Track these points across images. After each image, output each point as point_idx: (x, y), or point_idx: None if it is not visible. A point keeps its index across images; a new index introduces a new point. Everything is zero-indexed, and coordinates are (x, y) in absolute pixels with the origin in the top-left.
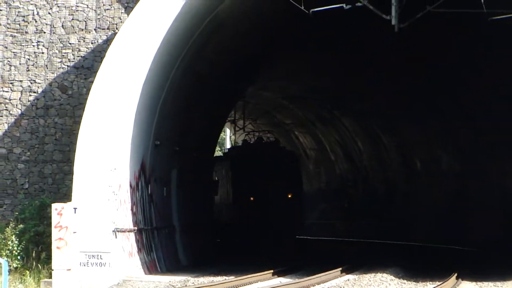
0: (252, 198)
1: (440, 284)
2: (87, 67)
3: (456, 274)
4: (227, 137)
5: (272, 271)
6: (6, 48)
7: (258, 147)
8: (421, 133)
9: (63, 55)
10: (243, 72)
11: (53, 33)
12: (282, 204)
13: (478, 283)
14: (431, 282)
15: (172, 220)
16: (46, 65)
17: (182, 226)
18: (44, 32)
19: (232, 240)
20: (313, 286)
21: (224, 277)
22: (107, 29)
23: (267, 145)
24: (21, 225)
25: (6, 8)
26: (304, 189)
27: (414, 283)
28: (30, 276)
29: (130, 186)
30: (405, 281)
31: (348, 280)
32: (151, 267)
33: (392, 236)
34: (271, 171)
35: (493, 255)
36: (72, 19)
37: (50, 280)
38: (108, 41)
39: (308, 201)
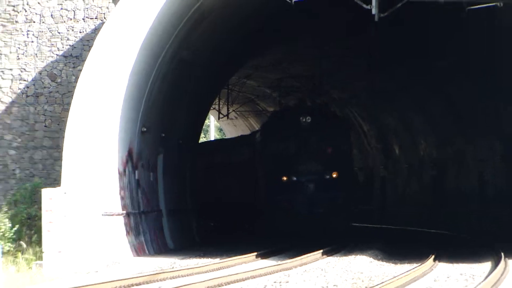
0: (284, 178)
1: (418, 265)
2: (76, 55)
3: (433, 256)
4: (212, 124)
5: (255, 253)
6: None
7: (293, 115)
8: (400, 121)
9: (52, 44)
10: (227, 61)
11: (43, 22)
12: (322, 186)
13: (455, 264)
14: (409, 264)
15: (159, 204)
16: (36, 54)
17: (168, 210)
18: (34, 22)
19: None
20: (295, 267)
21: (210, 259)
22: (95, 18)
23: (306, 111)
24: (12, 210)
25: None
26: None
27: (393, 264)
28: (22, 258)
29: (118, 171)
30: (384, 262)
31: (329, 262)
32: (139, 250)
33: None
34: (309, 145)
35: (469, 238)
36: (61, 8)
37: (41, 262)
38: (96, 30)
39: None
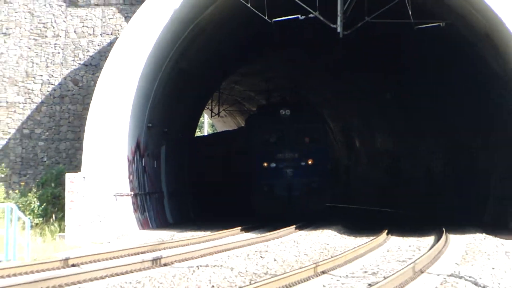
0: (265, 165)
1: (374, 238)
2: (94, 64)
3: (386, 231)
4: (205, 121)
5: (240, 227)
6: (30, 49)
7: (274, 109)
8: (361, 120)
9: (75, 55)
10: (219, 69)
11: (67, 37)
12: (299, 172)
13: (404, 238)
14: (367, 237)
15: (161, 187)
16: (62, 63)
17: (169, 192)
18: (60, 36)
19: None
20: (273, 239)
21: (203, 232)
22: (110, 34)
23: (283, 107)
24: (40, 191)
25: (30, 17)
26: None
27: (354, 237)
28: (48, 231)
29: (128, 159)
30: (346, 236)
31: (301, 235)
32: (144, 224)
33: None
34: (287, 135)
35: (416, 216)
36: (83, 26)
37: (63, 234)
38: (111, 44)
39: None
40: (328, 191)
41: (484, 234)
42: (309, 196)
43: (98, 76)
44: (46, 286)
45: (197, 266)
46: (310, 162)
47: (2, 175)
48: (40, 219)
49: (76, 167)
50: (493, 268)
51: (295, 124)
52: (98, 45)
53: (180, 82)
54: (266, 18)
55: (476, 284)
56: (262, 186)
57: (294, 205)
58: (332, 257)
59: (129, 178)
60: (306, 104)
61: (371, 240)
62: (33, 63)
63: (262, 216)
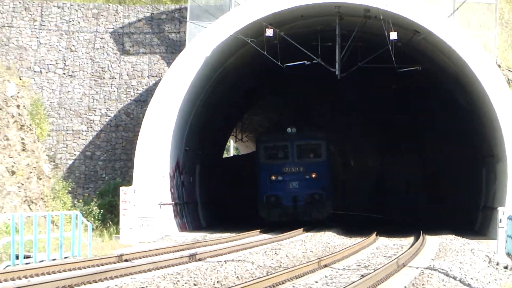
0: (272, 177)
1: (366, 238)
2: (143, 100)
3: (376, 233)
4: (231, 145)
5: (259, 230)
6: (91, 88)
7: (280, 133)
8: (354, 144)
9: (127, 93)
10: (241, 104)
11: (121, 78)
12: (302, 184)
13: (390, 238)
14: (360, 237)
15: (196, 198)
16: (116, 99)
17: (202, 202)
18: (115, 78)
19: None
20: (285, 239)
21: (229, 234)
22: (155, 76)
23: (289, 125)
24: (100, 200)
25: (91, 62)
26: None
27: (349, 238)
28: (106, 233)
29: (170, 175)
30: (343, 236)
31: (307, 236)
32: (182, 227)
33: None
34: (293, 150)
35: (398, 221)
36: (133, 69)
37: (118, 235)
38: (156, 84)
39: None
40: (329, 202)
41: (454, 236)
42: (313, 206)
43: (145, 110)
44: (104, 277)
45: (225, 261)
46: (313, 176)
47: (70, 188)
48: (100, 223)
49: (128, 182)
50: (460, 263)
51: (300, 140)
52: (146, 85)
53: (210, 114)
54: (279, 63)
55: (447, 275)
56: (270, 197)
57: (299, 215)
58: (332, 253)
59: (170, 190)
60: (309, 123)
61: (363, 240)
62: (93, 99)
63: (270, 224)
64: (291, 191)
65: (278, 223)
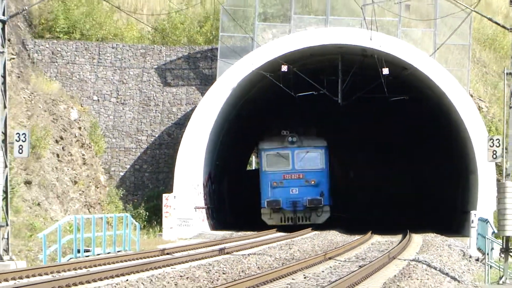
0: (274, 183)
1: (363, 236)
2: (181, 123)
3: (371, 232)
4: (253, 160)
5: (275, 229)
6: (139, 113)
7: (281, 141)
8: (353, 159)
9: (169, 117)
10: (260, 125)
11: (164, 105)
12: (302, 190)
13: (383, 236)
14: (358, 235)
15: (224, 203)
16: (160, 122)
17: (230, 206)
18: (159, 105)
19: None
20: (297, 237)
21: (251, 232)
22: (192, 104)
23: (290, 133)
24: (146, 205)
25: (139, 92)
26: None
27: (349, 235)
28: (151, 231)
29: (203, 185)
30: (344, 234)
31: (315, 234)
32: (213, 227)
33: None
34: (291, 158)
35: (387, 222)
36: (174, 98)
37: (161, 233)
38: (192, 110)
39: None
40: (328, 208)
41: (435, 234)
42: (311, 211)
43: (183, 131)
44: (150, 267)
45: (248, 254)
46: (312, 182)
47: (121, 195)
48: (146, 223)
49: (169, 190)
50: (440, 256)
51: (300, 149)
52: (184, 111)
53: (236, 134)
54: (292, 93)
55: (429, 266)
56: (271, 202)
57: (298, 219)
58: (336, 248)
59: (203, 197)
60: (311, 131)
61: (361, 237)
62: (141, 122)
63: (271, 227)
64: (291, 197)
65: (281, 227)
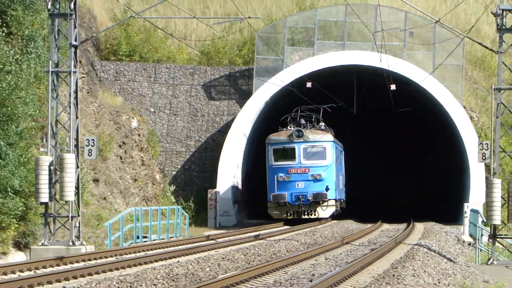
0: (279, 177)
1: (374, 224)
2: (223, 131)
3: (381, 221)
4: None
5: (282, 222)
6: (188, 122)
7: (288, 135)
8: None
9: (213, 126)
10: None
11: (208, 116)
12: (308, 184)
13: (390, 224)
14: (370, 224)
15: (256, 197)
16: (205, 130)
17: (261, 200)
18: (204, 116)
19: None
20: (319, 225)
21: (264, 220)
22: (232, 114)
23: (297, 131)
24: (194, 199)
25: (188, 105)
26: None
27: (362, 224)
28: (198, 220)
29: (241, 182)
30: (358, 223)
31: (334, 223)
32: (248, 217)
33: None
34: (298, 152)
35: (396, 214)
36: (217, 110)
37: (207, 222)
38: (232, 120)
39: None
40: (333, 202)
41: (433, 222)
42: (317, 205)
43: (225, 137)
44: (197, 250)
45: (278, 239)
46: (318, 177)
47: (173, 190)
48: (194, 214)
49: (214, 186)
50: (438, 241)
51: (306, 143)
52: (225, 121)
53: (260, 147)
54: (315, 105)
55: (429, 249)
56: (276, 196)
57: (303, 213)
58: (351, 234)
59: (242, 192)
60: (318, 124)
61: (372, 225)
62: (190, 130)
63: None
64: (296, 191)
65: (288, 220)
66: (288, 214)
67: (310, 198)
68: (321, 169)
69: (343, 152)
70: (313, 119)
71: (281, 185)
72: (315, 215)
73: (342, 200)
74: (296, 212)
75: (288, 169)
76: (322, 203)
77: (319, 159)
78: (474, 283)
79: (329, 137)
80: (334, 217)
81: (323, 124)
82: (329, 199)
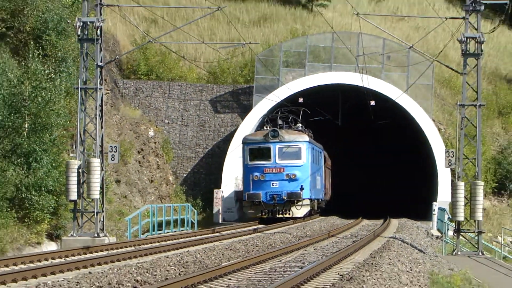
0: (254, 177)
1: (355, 220)
2: (227, 140)
3: (361, 217)
4: None
5: (257, 221)
6: (197, 132)
7: (265, 134)
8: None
9: (218, 136)
10: None
11: (214, 127)
12: (282, 183)
13: (370, 220)
14: (352, 220)
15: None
16: (212, 139)
17: None
18: (211, 127)
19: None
20: (309, 220)
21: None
22: (235, 126)
23: (272, 131)
24: (202, 197)
25: (197, 117)
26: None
27: (345, 220)
28: (205, 216)
29: (242, 183)
30: (342, 219)
31: (321, 218)
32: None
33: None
34: (273, 152)
35: (375, 210)
36: (222, 121)
37: (212, 217)
38: (235, 130)
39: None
40: (308, 201)
41: (407, 219)
42: (291, 205)
43: (229, 145)
44: (204, 241)
45: (274, 232)
46: (293, 177)
47: (184, 190)
48: (202, 210)
49: (218, 186)
50: (411, 234)
51: (281, 142)
52: (229, 131)
53: None
54: (305, 119)
55: (403, 241)
56: (251, 195)
57: (278, 212)
58: (336, 228)
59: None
60: (296, 125)
61: (354, 221)
62: (199, 139)
63: (251, 220)
64: (271, 190)
65: (266, 219)
66: (263, 213)
67: (285, 198)
68: (296, 169)
69: (322, 153)
70: (289, 120)
71: (256, 185)
72: (289, 214)
73: (320, 199)
74: (271, 211)
75: (263, 169)
76: (296, 203)
77: (294, 159)
78: (441, 270)
79: (305, 137)
80: (321, 213)
81: (300, 125)
82: (304, 199)
